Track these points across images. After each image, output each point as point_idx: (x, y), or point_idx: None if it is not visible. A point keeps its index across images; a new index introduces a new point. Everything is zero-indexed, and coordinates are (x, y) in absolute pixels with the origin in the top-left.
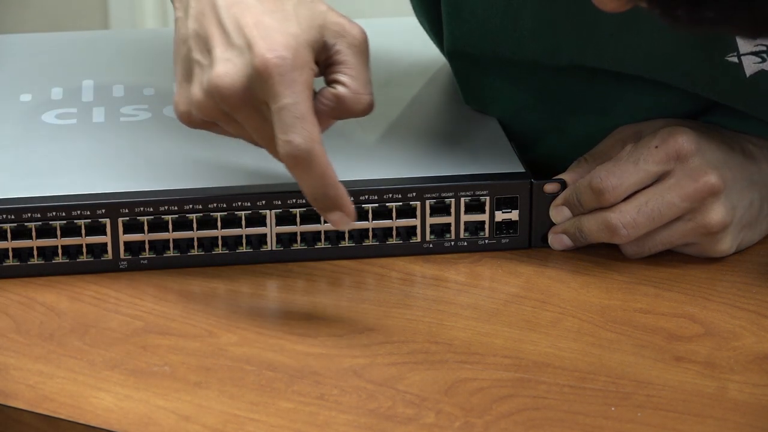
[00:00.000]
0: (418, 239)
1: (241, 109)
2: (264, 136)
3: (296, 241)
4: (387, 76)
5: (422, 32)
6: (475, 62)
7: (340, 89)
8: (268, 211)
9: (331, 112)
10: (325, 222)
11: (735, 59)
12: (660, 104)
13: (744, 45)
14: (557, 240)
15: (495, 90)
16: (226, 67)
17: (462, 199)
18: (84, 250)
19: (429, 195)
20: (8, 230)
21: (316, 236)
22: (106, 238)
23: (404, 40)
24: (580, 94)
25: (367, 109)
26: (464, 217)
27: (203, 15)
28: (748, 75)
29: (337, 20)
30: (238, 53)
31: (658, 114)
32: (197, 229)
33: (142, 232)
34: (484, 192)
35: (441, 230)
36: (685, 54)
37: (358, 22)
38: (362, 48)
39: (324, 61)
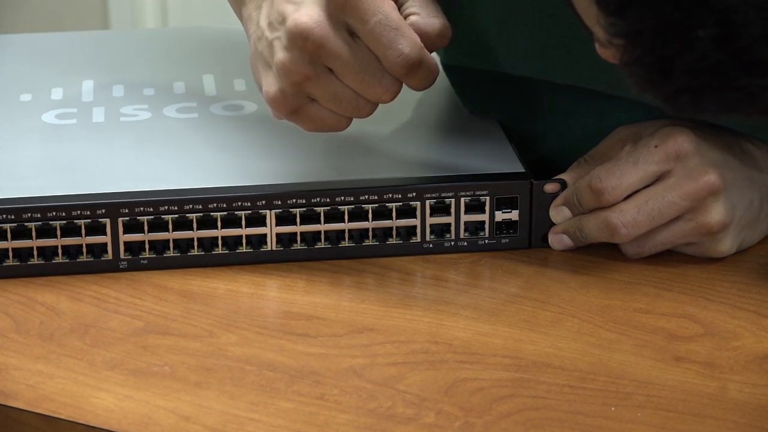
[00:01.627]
0: (418, 239)
1: (326, 44)
2: (357, 65)
3: (296, 241)
4: None
5: None
6: (470, 73)
7: (412, 18)
8: (268, 211)
9: None
10: (326, 222)
11: None
12: (655, 116)
13: None
14: (557, 240)
15: (491, 98)
16: (301, 13)
17: (462, 199)
18: (84, 250)
19: (429, 195)
20: (8, 230)
21: (316, 236)
22: (106, 238)
23: None
24: (576, 105)
25: (441, 30)
26: (464, 217)
27: (272, 8)
28: None
29: None
30: (310, 2)
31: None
32: (197, 229)
33: (142, 232)
34: (484, 192)
35: (441, 230)
36: None
37: None
38: None
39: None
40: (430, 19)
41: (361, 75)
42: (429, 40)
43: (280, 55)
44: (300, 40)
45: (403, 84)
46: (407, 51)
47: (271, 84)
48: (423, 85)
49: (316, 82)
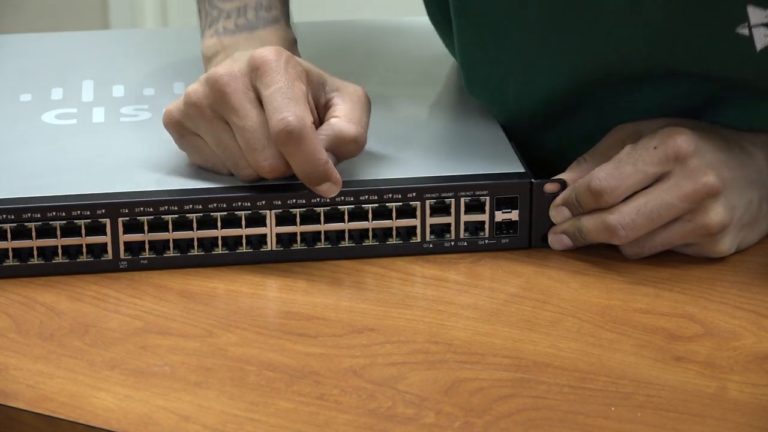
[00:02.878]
0: (418, 239)
1: (231, 95)
2: (248, 125)
3: (296, 241)
4: (387, 76)
5: (423, 33)
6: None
7: (332, 120)
8: (268, 211)
9: (326, 140)
10: (326, 222)
11: (746, 32)
12: (667, 98)
13: (755, 16)
14: (557, 240)
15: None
16: (223, 65)
17: (462, 199)
18: (84, 250)
19: (429, 195)
20: (8, 230)
21: (316, 236)
22: (106, 238)
23: (405, 40)
24: (587, 95)
25: (359, 138)
26: (464, 217)
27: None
28: (758, 49)
29: (340, 81)
30: (239, 63)
31: (663, 110)
32: (197, 229)
33: (142, 232)
34: (484, 192)
35: (441, 230)
36: (694, 31)
37: (358, 22)
38: (360, 98)
39: (323, 106)
40: (349, 124)
41: (248, 135)
42: (342, 143)
43: (193, 86)
44: (211, 81)
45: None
46: (290, 119)
47: (173, 103)
48: (302, 166)
49: (207, 123)
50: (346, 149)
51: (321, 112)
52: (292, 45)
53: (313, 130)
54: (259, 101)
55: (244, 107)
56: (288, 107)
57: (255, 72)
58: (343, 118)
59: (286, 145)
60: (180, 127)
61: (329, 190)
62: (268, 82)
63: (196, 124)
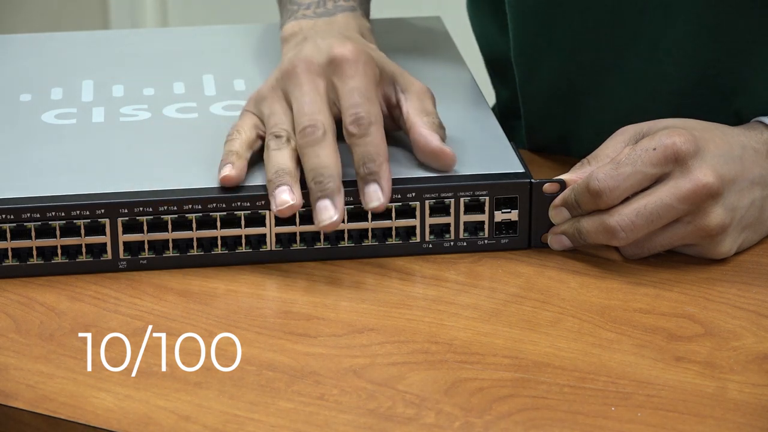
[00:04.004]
0: (418, 239)
1: (302, 75)
2: (314, 107)
3: (296, 241)
4: None
5: (423, 33)
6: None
7: (414, 120)
8: (267, 211)
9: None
10: None
11: None
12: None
13: None
14: (556, 241)
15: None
16: (307, 51)
17: (461, 199)
18: (83, 250)
19: (428, 195)
20: (8, 230)
21: (315, 236)
22: (106, 238)
23: (407, 40)
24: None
25: (442, 156)
26: (464, 218)
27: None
28: None
29: (409, 77)
30: (319, 56)
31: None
32: (196, 229)
33: (142, 232)
34: (484, 192)
35: (440, 230)
36: None
37: None
38: (426, 95)
39: (393, 105)
40: (432, 135)
41: (304, 102)
42: (424, 153)
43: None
44: (298, 61)
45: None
46: (362, 114)
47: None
48: (359, 153)
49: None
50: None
51: (393, 111)
52: (367, 32)
53: (383, 132)
54: (326, 95)
55: (308, 85)
56: (363, 104)
57: (334, 68)
58: (422, 124)
59: (352, 136)
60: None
61: (372, 195)
62: (346, 78)
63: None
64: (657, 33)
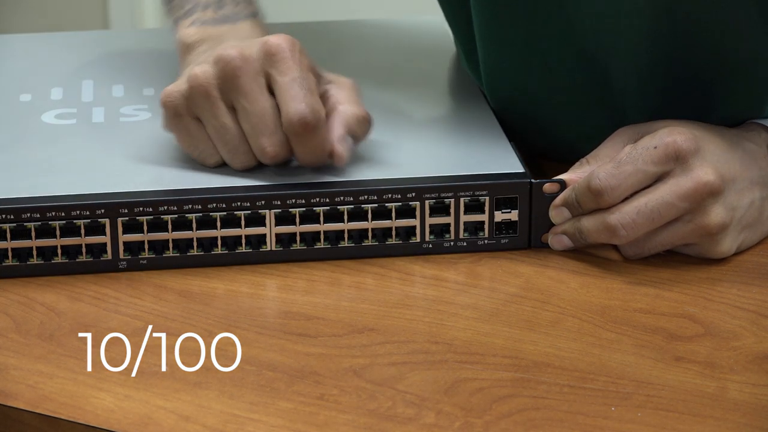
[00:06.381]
0: (418, 239)
1: (241, 77)
2: (257, 110)
3: (296, 241)
4: (387, 76)
5: (424, 33)
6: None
7: (340, 107)
8: (267, 211)
9: (343, 125)
10: (325, 222)
11: None
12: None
13: None
14: (557, 240)
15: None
16: (234, 47)
17: (461, 200)
18: (83, 250)
19: (428, 195)
20: (8, 230)
21: (315, 236)
22: (106, 238)
23: (405, 40)
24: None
25: (369, 118)
26: (464, 218)
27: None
28: None
29: (332, 74)
30: (248, 43)
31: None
32: (197, 229)
33: (142, 232)
34: (484, 192)
35: (440, 230)
36: None
37: (358, 22)
38: (352, 87)
39: (320, 97)
40: (356, 106)
41: (256, 120)
42: (357, 124)
43: (199, 67)
44: (222, 62)
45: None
46: (307, 110)
47: (172, 85)
48: (308, 156)
49: (211, 105)
50: (361, 129)
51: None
52: None
53: (325, 122)
54: (269, 88)
55: (254, 91)
56: (306, 98)
57: (269, 59)
58: (348, 104)
59: (299, 135)
60: (179, 107)
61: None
62: (284, 70)
63: (197, 105)
64: None
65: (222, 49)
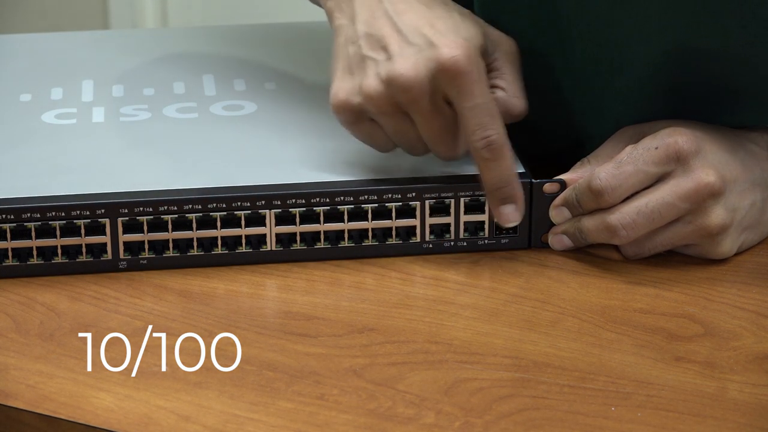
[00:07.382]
0: (418, 239)
1: (419, 101)
2: (437, 126)
3: (296, 241)
4: None
5: None
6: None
7: (498, 92)
8: (267, 211)
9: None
10: (325, 222)
11: None
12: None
13: None
14: (557, 240)
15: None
16: (408, 62)
17: (462, 200)
18: (83, 250)
19: (428, 195)
20: (8, 230)
21: (315, 236)
22: (106, 238)
23: None
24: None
25: (522, 112)
26: (464, 218)
27: (374, 18)
28: None
29: (494, 32)
30: (417, 50)
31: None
32: (197, 229)
33: (142, 232)
34: (484, 192)
35: (440, 230)
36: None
37: None
38: (515, 57)
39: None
40: (513, 99)
41: (433, 134)
42: (507, 117)
43: (371, 81)
44: (397, 87)
45: None
46: (494, 137)
47: (343, 90)
48: (494, 180)
49: (389, 118)
50: (509, 117)
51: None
52: None
53: (510, 148)
54: (447, 102)
55: (431, 113)
56: (492, 125)
57: (449, 81)
58: (507, 91)
59: (486, 160)
60: (354, 117)
61: (511, 215)
62: (467, 95)
63: (371, 114)
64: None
65: (395, 60)
